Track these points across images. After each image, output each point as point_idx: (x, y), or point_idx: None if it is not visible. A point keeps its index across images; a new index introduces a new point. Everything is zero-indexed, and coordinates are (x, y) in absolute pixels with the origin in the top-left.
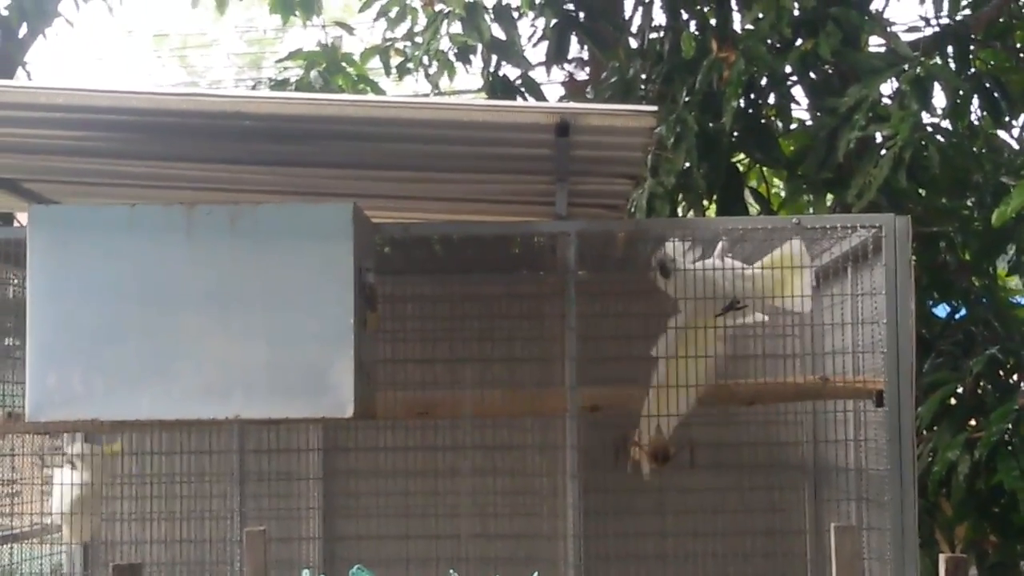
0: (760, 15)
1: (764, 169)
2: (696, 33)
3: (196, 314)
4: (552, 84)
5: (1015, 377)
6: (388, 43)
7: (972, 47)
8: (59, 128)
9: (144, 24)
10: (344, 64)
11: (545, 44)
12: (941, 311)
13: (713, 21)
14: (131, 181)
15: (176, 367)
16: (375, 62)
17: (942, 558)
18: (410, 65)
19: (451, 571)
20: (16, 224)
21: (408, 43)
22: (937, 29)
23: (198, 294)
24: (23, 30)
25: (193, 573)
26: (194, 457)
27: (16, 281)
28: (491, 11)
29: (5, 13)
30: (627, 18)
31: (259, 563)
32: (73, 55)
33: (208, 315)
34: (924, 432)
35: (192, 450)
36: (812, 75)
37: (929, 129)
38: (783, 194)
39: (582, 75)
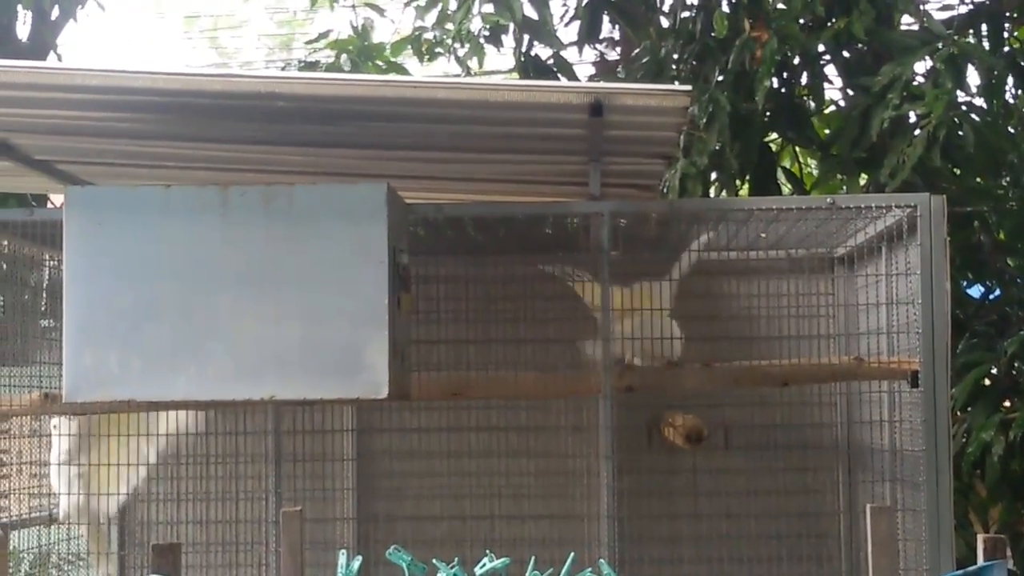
0: None
1: (797, 149)
2: (728, 12)
3: (231, 295)
4: (583, 64)
5: None
6: (418, 32)
7: (1006, 25)
8: (93, 109)
9: (175, 5)
10: (374, 54)
11: (577, 24)
12: (975, 291)
13: (745, 0)
14: (165, 162)
15: (211, 348)
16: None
17: (980, 538)
18: (439, 50)
19: (486, 551)
20: (50, 205)
21: (438, 31)
22: (971, 7)
23: (233, 275)
24: (55, 12)
25: (228, 553)
26: (228, 438)
27: (52, 262)
28: None
29: None
30: None
31: (295, 543)
32: (103, 37)
33: (243, 296)
34: (958, 413)
35: (227, 431)
36: (845, 54)
37: (963, 108)
38: (816, 174)
39: (614, 55)
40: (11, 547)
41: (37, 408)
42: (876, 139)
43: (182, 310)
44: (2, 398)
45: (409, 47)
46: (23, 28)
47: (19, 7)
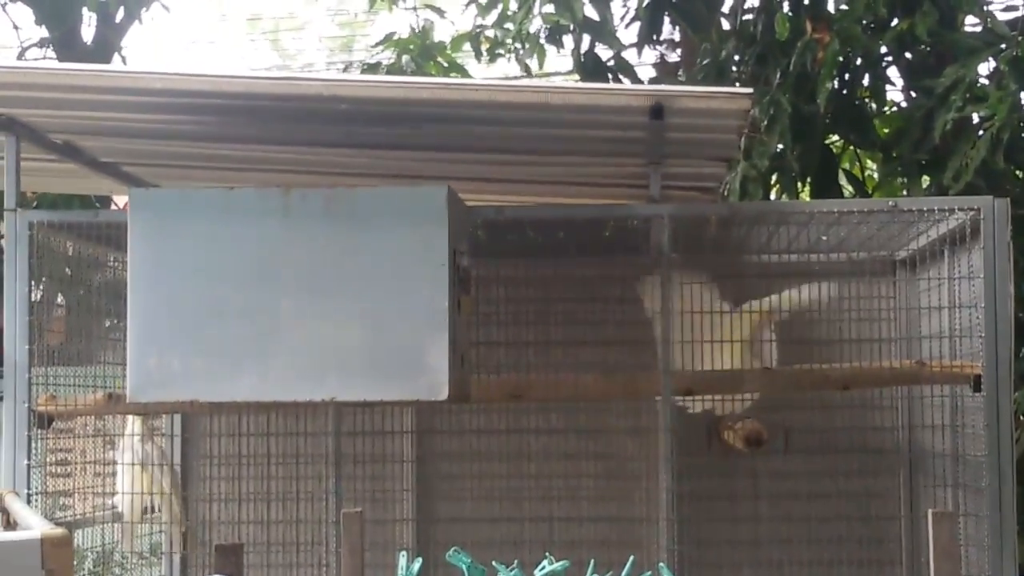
0: None
1: (858, 151)
2: (790, 13)
3: (292, 297)
4: (643, 66)
5: None
6: (478, 29)
7: None
8: (157, 112)
9: (237, 7)
10: (435, 52)
11: (637, 25)
12: None
13: (807, 1)
14: (227, 164)
15: (273, 349)
16: (465, 46)
17: None
18: (500, 51)
19: (546, 553)
20: (113, 207)
21: (498, 30)
22: None
23: (294, 277)
24: (120, 14)
25: (288, 553)
26: (289, 439)
27: (115, 263)
28: None
29: None
30: None
31: (355, 544)
32: (167, 39)
33: (304, 298)
34: (1021, 418)
35: (287, 432)
36: (908, 55)
37: None
38: (877, 176)
39: (674, 56)
40: (74, 545)
41: (101, 408)
42: (939, 141)
43: (245, 312)
44: (67, 398)
45: (468, 44)
46: (88, 31)
47: (84, 9)
